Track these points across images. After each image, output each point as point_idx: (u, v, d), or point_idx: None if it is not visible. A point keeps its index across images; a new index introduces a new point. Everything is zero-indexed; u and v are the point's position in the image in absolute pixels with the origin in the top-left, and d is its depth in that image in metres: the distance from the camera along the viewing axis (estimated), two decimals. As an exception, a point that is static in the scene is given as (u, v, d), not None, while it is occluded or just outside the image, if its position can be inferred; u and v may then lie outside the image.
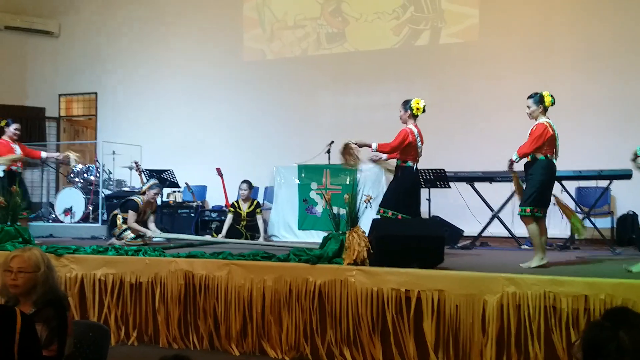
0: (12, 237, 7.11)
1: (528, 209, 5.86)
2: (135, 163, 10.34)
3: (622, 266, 5.53)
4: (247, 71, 12.09)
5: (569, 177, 7.94)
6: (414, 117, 6.63)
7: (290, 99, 11.53)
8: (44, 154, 8.69)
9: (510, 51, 10.33)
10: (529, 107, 5.99)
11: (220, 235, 8.75)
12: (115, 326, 6.18)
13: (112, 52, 13.13)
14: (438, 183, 8.35)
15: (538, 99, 5.94)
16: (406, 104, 6.64)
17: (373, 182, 8.37)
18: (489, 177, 8.40)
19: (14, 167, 8.14)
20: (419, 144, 6.60)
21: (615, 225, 8.49)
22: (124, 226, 8.36)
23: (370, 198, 5.63)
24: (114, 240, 8.21)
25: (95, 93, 13.40)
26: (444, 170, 8.29)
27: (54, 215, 10.60)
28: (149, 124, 12.38)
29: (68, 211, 10.39)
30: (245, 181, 8.95)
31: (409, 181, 6.51)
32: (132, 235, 8.39)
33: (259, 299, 5.71)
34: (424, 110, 6.63)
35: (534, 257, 5.82)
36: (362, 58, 11.30)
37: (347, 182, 8.48)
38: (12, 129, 8.29)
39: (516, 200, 8.20)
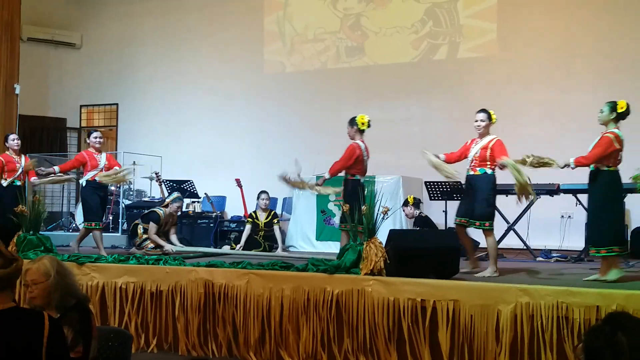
0: (34, 245, 7.30)
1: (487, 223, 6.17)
2: (156, 174, 10.52)
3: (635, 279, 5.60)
4: (267, 84, 12.29)
5: (585, 191, 7.96)
6: (361, 132, 7.00)
7: (309, 111, 11.69)
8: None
9: (530, 65, 10.41)
10: (482, 121, 6.27)
11: (238, 246, 8.89)
12: (136, 334, 6.29)
13: (133, 64, 13.39)
14: (454, 195, 8.43)
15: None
16: (352, 121, 6.95)
17: (391, 194, 8.46)
18: (505, 190, 8.40)
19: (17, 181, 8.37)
20: (366, 158, 6.97)
21: (629, 238, 8.48)
22: (145, 236, 8.55)
23: (388, 209, 5.73)
24: (134, 250, 8.39)
25: (117, 104, 13.67)
26: (460, 182, 8.35)
27: (74, 225, 10.80)
28: (169, 135, 12.60)
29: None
30: (263, 191, 9.07)
31: (360, 193, 6.60)
32: (152, 245, 8.57)
33: (277, 308, 5.82)
34: (369, 125, 6.95)
35: (489, 268, 6.07)
36: (381, 72, 11.44)
37: (365, 194, 8.58)
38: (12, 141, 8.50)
39: (534, 213, 8.32)
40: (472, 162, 6.29)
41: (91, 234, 7.95)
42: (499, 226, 8.43)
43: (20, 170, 8.39)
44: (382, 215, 5.81)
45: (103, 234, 10.12)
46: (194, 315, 6.15)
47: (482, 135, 6.37)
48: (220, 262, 6.64)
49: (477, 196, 6.21)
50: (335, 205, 8.98)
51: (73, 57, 13.90)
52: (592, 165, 5.84)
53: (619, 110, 5.98)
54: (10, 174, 8.35)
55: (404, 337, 5.30)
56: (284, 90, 12.12)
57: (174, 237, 8.97)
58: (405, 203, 8.37)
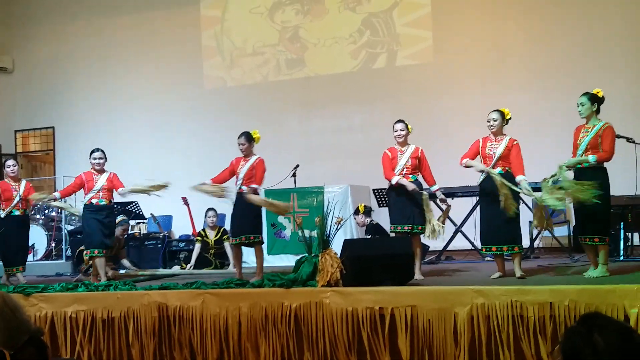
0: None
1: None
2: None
3: (582, 273, 5.80)
4: (208, 99, 12.19)
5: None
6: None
7: (253, 124, 11.47)
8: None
9: (465, 70, 10.68)
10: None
11: (189, 265, 8.77)
12: (90, 363, 6.14)
13: (68, 86, 13.06)
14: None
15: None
16: (249, 138, 7.18)
17: (341, 204, 8.50)
18: (451, 193, 8.59)
19: None
20: None
21: (571, 233, 8.76)
22: (90, 262, 8.31)
23: (341, 220, 5.77)
24: (81, 277, 8.15)
25: (53, 127, 13.29)
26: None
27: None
28: (110, 157, 12.20)
29: (30, 249, 10.23)
30: (211, 209, 8.97)
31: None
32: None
33: (234, 327, 5.76)
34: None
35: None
36: (322, 82, 11.52)
37: (315, 205, 8.62)
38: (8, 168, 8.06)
39: (479, 214, 8.49)
40: (403, 170, 6.57)
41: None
42: (447, 229, 8.60)
43: (17, 199, 7.83)
44: (335, 225, 5.84)
45: (46, 261, 9.92)
46: (149, 340, 6.01)
47: (403, 145, 6.70)
48: (173, 283, 6.52)
49: (413, 202, 6.50)
50: (285, 218, 8.96)
51: (5, 81, 13.47)
52: (500, 169, 6.11)
53: (507, 117, 6.25)
54: (7, 203, 7.80)
55: (364, 347, 5.33)
56: (226, 105, 12.04)
57: (125, 262, 8.78)
58: (357, 211, 8.42)
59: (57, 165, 13.17)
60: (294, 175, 9.22)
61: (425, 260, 8.31)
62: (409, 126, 6.82)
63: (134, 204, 10.01)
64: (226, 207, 10.20)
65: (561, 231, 8.75)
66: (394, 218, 6.66)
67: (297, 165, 9.28)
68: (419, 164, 6.68)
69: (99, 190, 7.43)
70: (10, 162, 8.05)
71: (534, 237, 8.36)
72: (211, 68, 12.34)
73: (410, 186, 6.44)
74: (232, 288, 6.06)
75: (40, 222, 10.56)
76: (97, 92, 12.87)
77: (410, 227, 6.49)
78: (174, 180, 11.60)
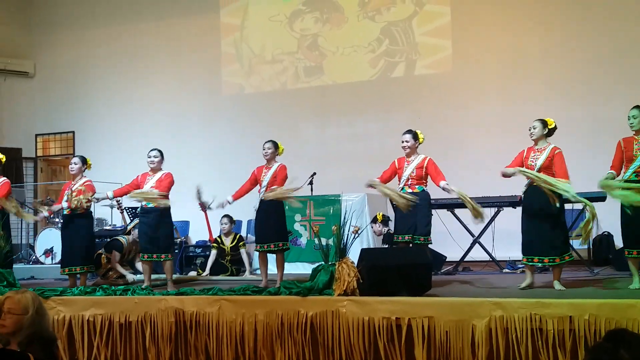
0: (-4, 280, 7.08)
1: None
2: (117, 201, 10.33)
3: (603, 286, 5.75)
4: (226, 106, 12.26)
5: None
6: None
7: (270, 132, 11.60)
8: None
9: (484, 80, 10.65)
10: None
11: (204, 273, 8.79)
12: (106, 367, 6.17)
13: (88, 91, 13.19)
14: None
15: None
16: (276, 145, 7.31)
17: (358, 213, 8.48)
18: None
19: None
20: None
21: (591, 246, 8.68)
22: (109, 266, 8.37)
23: (358, 229, 5.76)
24: (99, 280, 8.20)
25: (73, 132, 13.43)
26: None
27: (34, 257, 10.52)
28: (129, 161, 12.36)
29: (49, 252, 10.33)
30: (225, 215, 8.97)
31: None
32: (116, 275, 8.39)
33: (250, 334, 5.76)
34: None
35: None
36: (340, 90, 11.54)
37: (331, 213, 8.61)
38: None
39: (497, 225, 8.45)
40: (408, 180, 6.64)
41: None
42: (465, 239, 8.57)
43: None
44: (352, 234, 5.84)
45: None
46: (166, 345, 6.03)
47: (410, 155, 6.77)
48: (190, 289, 6.55)
49: (418, 213, 6.53)
50: (301, 225, 8.96)
51: (26, 86, 13.63)
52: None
53: (550, 127, 6.26)
54: None
55: (380, 357, 5.30)
56: (243, 111, 12.10)
57: (139, 265, 8.81)
58: (374, 220, 8.40)
59: (76, 169, 13.25)
60: (310, 182, 9.21)
61: (443, 270, 8.27)
62: (421, 136, 6.85)
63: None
64: (243, 214, 10.32)
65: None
66: (397, 228, 6.74)
67: (314, 173, 9.28)
68: (426, 174, 6.70)
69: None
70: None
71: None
72: (230, 75, 12.41)
73: (408, 197, 6.44)
74: (249, 295, 6.06)
75: (59, 225, 10.62)
76: (117, 97, 12.98)
77: (410, 237, 6.55)
78: (191, 186, 11.74)
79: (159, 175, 7.33)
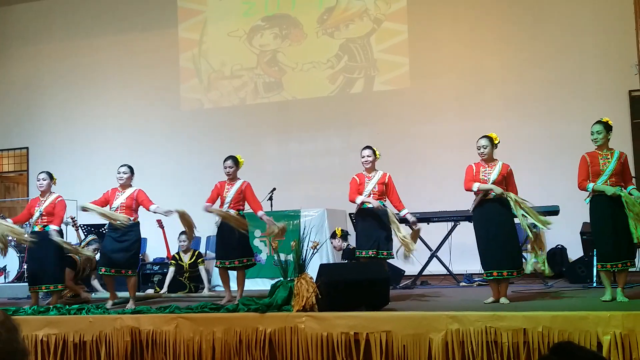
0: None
1: None
2: (72, 218, 10.12)
3: (557, 299, 5.87)
4: (186, 121, 12.17)
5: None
6: None
7: (231, 147, 11.52)
8: None
9: (442, 96, 10.81)
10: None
11: (162, 290, 8.68)
12: (60, 388, 6.03)
13: (44, 106, 12.95)
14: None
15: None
16: (236, 161, 7.33)
17: (317, 228, 8.50)
18: (427, 218, 8.67)
19: None
20: None
21: (545, 259, 8.83)
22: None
23: (317, 244, 5.77)
24: (52, 299, 8.00)
25: (27, 148, 13.15)
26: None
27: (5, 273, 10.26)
28: (85, 178, 12.19)
29: (1, 271, 10.08)
30: (183, 232, 8.88)
31: None
32: (70, 293, 8.22)
33: (208, 352, 5.71)
34: None
35: None
36: (300, 106, 11.58)
37: (291, 229, 8.59)
38: None
39: (454, 239, 8.55)
40: (370, 195, 6.77)
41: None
42: (422, 254, 8.65)
43: None
44: (311, 250, 5.85)
45: (18, 283, 9.71)
46: (121, 364, 5.92)
47: (370, 170, 6.90)
48: (146, 307, 6.47)
49: (380, 228, 6.71)
50: (261, 241, 8.93)
51: (-21, 101, 13.33)
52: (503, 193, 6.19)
53: (496, 142, 6.38)
54: None
55: (339, 372, 5.30)
56: (203, 127, 12.03)
57: (95, 282, 8.68)
58: (333, 235, 8.42)
59: (31, 186, 12.98)
60: (270, 198, 9.20)
61: (401, 285, 8.33)
62: (377, 152, 6.99)
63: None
64: (201, 230, 10.20)
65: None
66: (360, 243, 6.81)
67: (274, 189, 9.28)
68: (385, 190, 6.87)
69: (117, 208, 7.13)
70: None
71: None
72: (188, 90, 12.34)
73: (375, 203, 6.60)
74: (206, 312, 6.01)
75: (12, 243, 10.37)
76: (73, 113, 12.78)
77: (375, 252, 6.62)
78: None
79: (129, 191, 7.25)
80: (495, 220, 6.14)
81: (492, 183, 6.18)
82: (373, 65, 11.32)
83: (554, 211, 8.10)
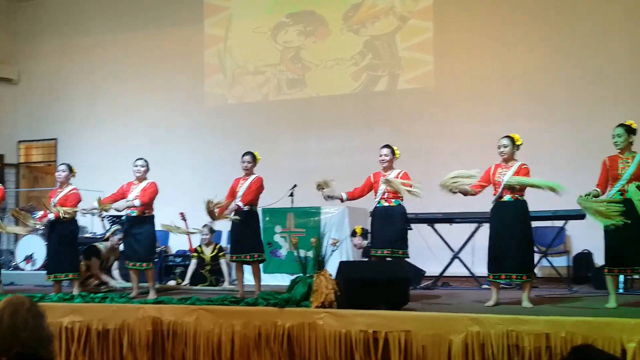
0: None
1: None
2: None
3: (581, 304, 5.81)
4: (209, 116, 12.26)
5: (538, 218, 8.18)
6: None
7: (252, 143, 11.62)
8: None
9: (466, 95, 10.73)
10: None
11: (184, 282, 8.76)
12: (81, 375, 6.13)
13: (72, 98, 13.14)
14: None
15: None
16: (254, 157, 7.41)
17: (337, 225, 8.51)
18: (449, 219, 8.63)
19: None
20: None
21: (571, 264, 8.76)
22: (87, 273, 8.31)
23: (337, 241, 5.79)
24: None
25: (55, 139, 13.34)
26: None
27: (14, 263, 10.42)
28: (111, 170, 12.29)
29: (29, 258, 10.23)
30: (205, 225, 8.97)
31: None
32: (96, 281, 8.35)
33: (227, 344, 5.76)
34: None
35: None
36: (322, 103, 11.59)
37: (311, 225, 8.63)
38: None
39: (477, 241, 8.50)
40: (384, 194, 6.75)
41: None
42: (444, 254, 8.62)
43: None
44: (331, 247, 5.87)
45: (44, 271, 9.85)
46: (143, 353, 6.03)
47: (387, 169, 6.88)
48: (168, 298, 6.54)
49: (395, 227, 6.66)
50: (281, 237, 8.97)
51: (10, 92, 13.55)
52: (509, 196, 6.13)
53: (517, 143, 6.33)
54: None
55: (356, 370, 5.31)
56: (226, 122, 12.11)
57: (115, 273, 8.77)
58: (353, 234, 8.42)
59: (58, 176, 13.17)
60: (291, 194, 9.23)
61: (421, 285, 8.30)
62: (397, 151, 6.97)
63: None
64: (223, 224, 10.27)
65: (560, 261, 8.74)
66: (374, 242, 6.79)
67: (295, 185, 9.29)
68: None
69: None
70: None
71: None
72: (213, 85, 12.42)
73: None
74: (227, 305, 6.06)
75: (39, 232, 10.53)
76: (100, 106, 12.94)
77: (389, 251, 6.60)
78: (172, 196, 11.70)
79: (143, 184, 7.35)
80: (506, 223, 6.10)
81: (505, 184, 6.12)
82: (397, 63, 11.28)
83: (580, 215, 8.00)
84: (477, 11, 10.86)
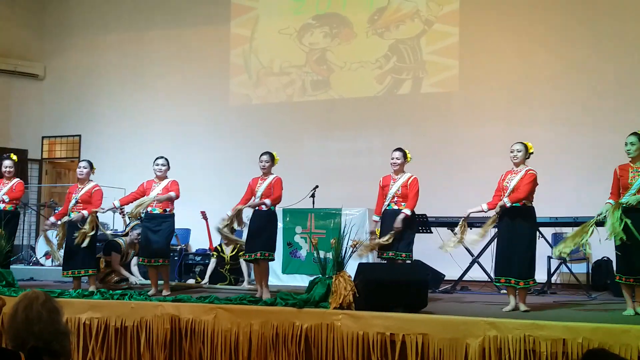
0: (-5, 280, 7.13)
1: None
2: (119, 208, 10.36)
3: (599, 311, 5.75)
4: (232, 115, 12.33)
5: (547, 224, 8.14)
6: None
7: (275, 143, 11.65)
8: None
9: (490, 102, 10.68)
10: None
11: (204, 281, 8.81)
12: (100, 371, 6.19)
13: (97, 95, 13.29)
14: (420, 228, 8.50)
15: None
16: (273, 157, 7.38)
17: (358, 227, 8.50)
18: (469, 223, 8.55)
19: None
20: None
21: (590, 271, 8.67)
22: (107, 270, 8.40)
23: (357, 242, 5.78)
24: (97, 284, 8.21)
25: (79, 135, 13.51)
26: (425, 215, 8.47)
27: (34, 259, 10.56)
28: (133, 167, 12.42)
29: (49, 254, 10.34)
30: (226, 225, 8.99)
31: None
32: (116, 278, 8.43)
33: (245, 343, 5.78)
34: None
35: None
36: (346, 105, 11.61)
37: (332, 226, 8.63)
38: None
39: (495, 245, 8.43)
40: (393, 198, 6.82)
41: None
42: (464, 259, 8.57)
43: None
44: (351, 248, 5.86)
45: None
46: (160, 351, 6.05)
47: (397, 172, 6.95)
48: (187, 296, 6.59)
49: (404, 231, 6.73)
50: (301, 237, 8.98)
51: (35, 88, 13.74)
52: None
53: (530, 151, 6.32)
54: None
55: (373, 372, 5.30)
56: (250, 122, 12.17)
57: (135, 269, 8.85)
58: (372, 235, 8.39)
59: (81, 172, 13.33)
60: (312, 195, 9.25)
61: (440, 288, 8.27)
62: (409, 155, 7.01)
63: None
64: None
65: (580, 268, 8.66)
66: (381, 245, 6.79)
67: (317, 186, 9.31)
68: (408, 193, 6.85)
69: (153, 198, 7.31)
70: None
71: (551, 272, 8.29)
72: (237, 85, 12.50)
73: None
74: (245, 304, 6.09)
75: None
76: (124, 103, 13.08)
77: (393, 254, 6.67)
78: (195, 194, 11.78)
79: (165, 182, 7.47)
80: (514, 228, 6.12)
81: (512, 189, 6.15)
82: (422, 67, 11.26)
83: (600, 222, 7.91)
84: (503, 17, 10.81)
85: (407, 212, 6.77)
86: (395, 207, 6.84)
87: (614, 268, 6.09)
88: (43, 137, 13.83)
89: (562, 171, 9.59)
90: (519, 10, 10.71)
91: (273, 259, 7.31)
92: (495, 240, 6.38)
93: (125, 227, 9.30)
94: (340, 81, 11.73)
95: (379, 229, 7.56)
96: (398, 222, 6.70)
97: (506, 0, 10.85)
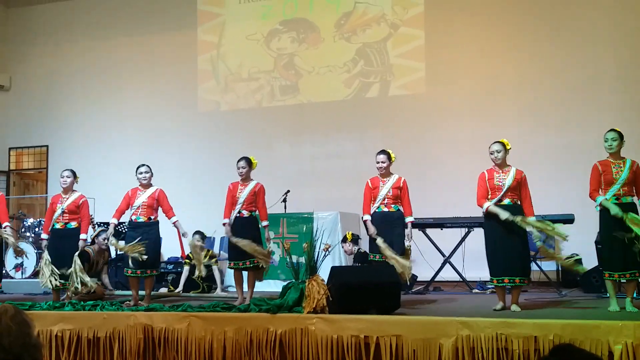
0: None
1: None
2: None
3: (569, 308, 5.85)
4: (201, 122, 12.27)
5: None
6: None
7: (245, 149, 11.61)
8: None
9: (457, 102, 10.82)
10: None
11: (178, 289, 8.75)
12: (72, 383, 6.11)
13: (63, 105, 13.13)
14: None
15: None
16: (250, 162, 7.38)
17: (330, 231, 8.53)
18: (440, 224, 8.69)
19: None
20: None
21: (560, 268, 8.79)
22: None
23: (329, 246, 5.81)
24: (68, 295, 8.10)
25: (47, 146, 13.33)
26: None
27: (4, 271, 10.36)
28: (102, 176, 12.32)
29: (19, 267, 10.20)
30: (197, 232, 8.94)
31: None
32: (86, 290, 8.30)
33: (219, 351, 5.76)
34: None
35: None
36: (315, 109, 11.64)
37: (304, 231, 8.64)
38: None
39: (468, 245, 8.53)
40: (384, 200, 6.80)
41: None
42: (436, 259, 8.65)
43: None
44: (323, 252, 5.89)
45: (34, 279, 9.82)
46: (134, 361, 5.99)
47: (384, 175, 6.92)
48: (159, 305, 6.54)
49: (394, 231, 6.72)
50: (274, 242, 8.96)
51: (1, 99, 13.55)
52: (509, 200, 6.24)
53: (508, 148, 6.39)
54: None
55: (348, 375, 5.32)
56: (219, 128, 12.13)
57: (105, 278, 8.74)
58: (344, 239, 8.44)
59: (50, 183, 13.15)
60: (284, 200, 9.25)
61: (413, 290, 8.33)
62: (393, 156, 7.03)
63: (123, 224, 9.94)
64: (214, 231, 10.28)
65: (550, 266, 8.78)
66: (372, 247, 6.81)
67: (288, 191, 9.32)
68: (400, 194, 6.87)
69: (139, 207, 7.25)
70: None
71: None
72: (206, 91, 12.45)
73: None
74: (218, 312, 6.06)
75: (30, 239, 10.52)
76: (92, 112, 12.94)
77: (385, 256, 6.61)
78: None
79: (150, 191, 7.39)
80: (506, 226, 6.12)
81: (507, 188, 6.18)
82: (389, 70, 11.35)
83: (568, 220, 8.08)
84: (468, 20, 10.95)
85: (412, 219, 6.89)
86: (386, 210, 6.84)
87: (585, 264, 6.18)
88: (10, 148, 13.62)
89: (531, 170, 9.66)
90: (483, 11, 10.88)
91: (258, 266, 7.22)
92: (484, 240, 6.34)
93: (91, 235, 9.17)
94: (308, 86, 11.77)
95: (351, 233, 7.62)
96: (410, 234, 6.84)
97: (470, 1, 11.01)
